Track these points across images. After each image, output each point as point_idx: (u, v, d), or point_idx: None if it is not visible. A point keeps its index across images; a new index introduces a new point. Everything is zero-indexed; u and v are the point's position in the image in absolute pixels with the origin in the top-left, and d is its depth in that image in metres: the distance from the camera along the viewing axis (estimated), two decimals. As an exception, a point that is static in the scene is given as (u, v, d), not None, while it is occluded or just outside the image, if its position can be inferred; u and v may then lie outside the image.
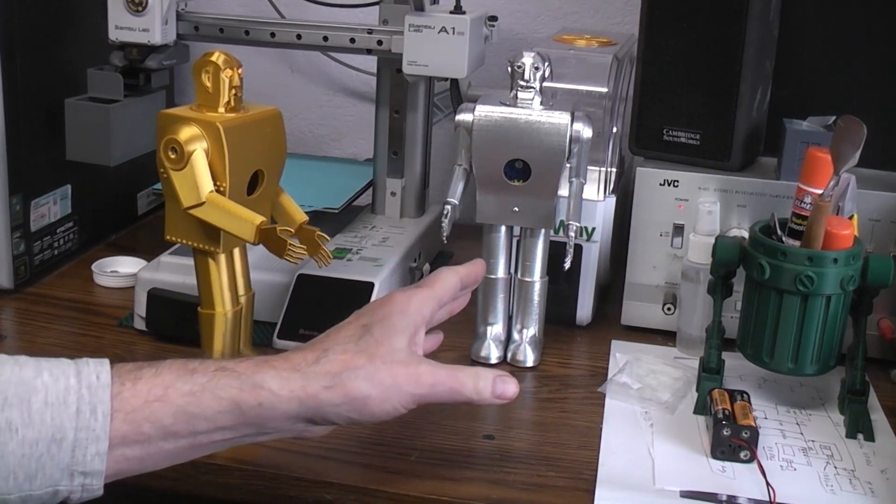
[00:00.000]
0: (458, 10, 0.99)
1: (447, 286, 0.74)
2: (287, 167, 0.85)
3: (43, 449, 0.58)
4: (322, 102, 1.40)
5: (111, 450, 0.60)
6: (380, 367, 0.65)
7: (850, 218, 0.84)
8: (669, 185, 0.96)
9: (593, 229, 0.97)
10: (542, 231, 0.91)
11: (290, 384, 0.63)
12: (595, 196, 0.97)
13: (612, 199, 1.00)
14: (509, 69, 0.88)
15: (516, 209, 0.89)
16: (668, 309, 0.98)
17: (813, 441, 0.81)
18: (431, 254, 1.14)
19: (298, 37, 1.02)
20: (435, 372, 0.67)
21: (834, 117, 0.91)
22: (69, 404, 0.59)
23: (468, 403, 0.69)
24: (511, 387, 0.69)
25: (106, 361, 0.62)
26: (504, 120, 0.88)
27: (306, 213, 0.86)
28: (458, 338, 0.96)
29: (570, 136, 0.87)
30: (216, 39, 1.03)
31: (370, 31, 1.01)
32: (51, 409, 0.59)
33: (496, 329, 0.93)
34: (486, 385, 0.68)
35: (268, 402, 0.63)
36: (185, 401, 0.62)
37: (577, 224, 0.88)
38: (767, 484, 0.72)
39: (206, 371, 0.63)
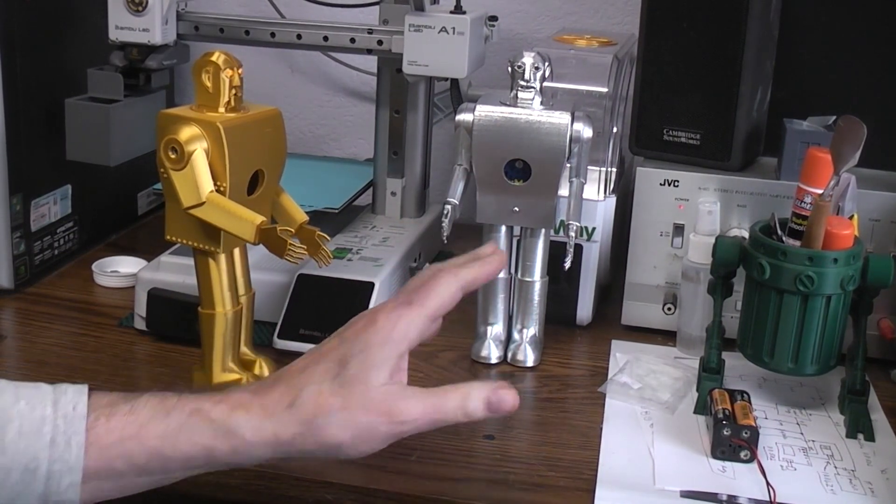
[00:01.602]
0: (458, 10, 0.99)
1: (443, 300, 0.67)
2: (287, 167, 0.85)
3: (17, 478, 0.58)
4: (322, 102, 1.41)
5: (85, 482, 0.60)
6: (354, 412, 0.63)
7: (850, 218, 0.84)
8: (669, 185, 0.96)
9: (593, 229, 0.97)
10: (543, 231, 0.91)
11: (263, 432, 0.63)
12: (595, 196, 0.97)
13: (613, 199, 1.00)
14: (509, 69, 0.88)
15: (516, 209, 0.89)
16: (669, 309, 0.98)
17: (813, 441, 0.81)
18: (431, 254, 1.14)
19: (298, 37, 1.02)
20: (414, 407, 0.64)
21: (834, 117, 0.91)
22: (43, 434, 0.59)
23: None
24: (508, 399, 0.65)
25: (85, 390, 0.62)
26: (504, 120, 0.88)
27: (306, 213, 0.86)
28: (458, 338, 0.96)
29: (571, 136, 0.87)
30: (216, 39, 1.03)
31: (370, 31, 1.01)
32: (25, 438, 0.59)
33: (496, 329, 0.93)
34: (477, 406, 0.65)
35: (241, 449, 0.63)
36: (159, 442, 0.61)
37: (578, 224, 0.88)
38: (768, 484, 0.72)
39: (182, 412, 0.62)
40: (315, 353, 0.67)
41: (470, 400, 0.65)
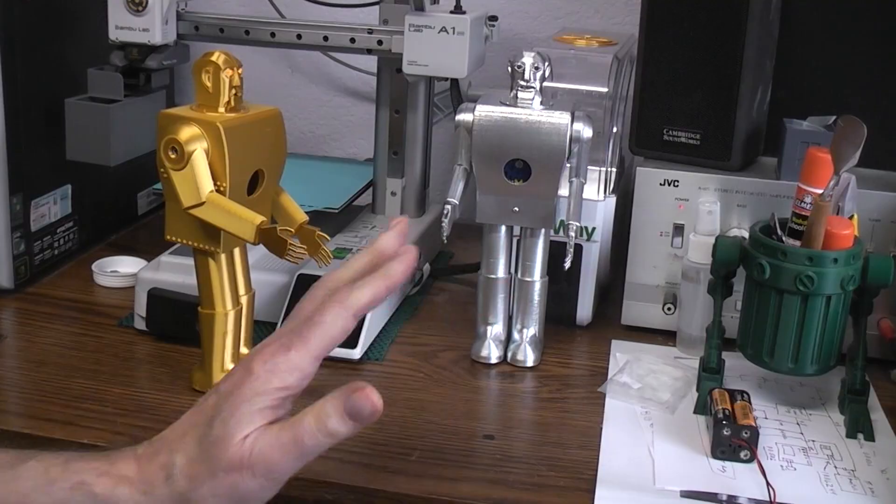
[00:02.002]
0: (458, 9, 0.99)
1: (331, 337, 0.61)
2: (287, 167, 0.85)
3: None
4: (322, 102, 1.41)
5: None
6: (220, 477, 0.59)
7: (850, 218, 0.84)
8: (669, 185, 0.96)
9: (593, 229, 0.97)
10: (542, 231, 0.91)
11: None
12: (595, 196, 0.97)
13: (613, 199, 1.00)
14: (509, 69, 0.88)
15: (516, 209, 0.89)
16: (668, 309, 0.98)
17: (813, 441, 0.81)
18: (432, 254, 1.14)
19: (299, 37, 1.02)
20: (271, 452, 0.59)
21: (834, 117, 0.91)
22: None
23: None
24: (364, 402, 0.58)
25: None
26: (504, 120, 0.88)
27: (306, 213, 0.86)
28: (458, 338, 0.96)
29: (570, 135, 0.87)
30: (216, 39, 1.03)
31: (370, 31, 1.01)
32: None
33: (496, 329, 0.93)
34: (335, 422, 0.59)
35: None
36: None
37: (578, 224, 0.88)
38: (767, 484, 0.72)
39: (65, 484, 0.61)
40: (196, 410, 0.63)
41: (326, 418, 0.59)
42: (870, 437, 0.81)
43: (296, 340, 0.60)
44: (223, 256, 0.81)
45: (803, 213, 0.82)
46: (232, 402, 0.60)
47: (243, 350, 0.85)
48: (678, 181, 0.95)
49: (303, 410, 0.60)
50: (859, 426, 0.82)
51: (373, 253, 0.66)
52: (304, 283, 0.93)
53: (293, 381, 0.60)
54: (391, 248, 0.66)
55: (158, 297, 0.93)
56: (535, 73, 0.87)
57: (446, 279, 1.12)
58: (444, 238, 0.89)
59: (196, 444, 0.60)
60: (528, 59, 0.87)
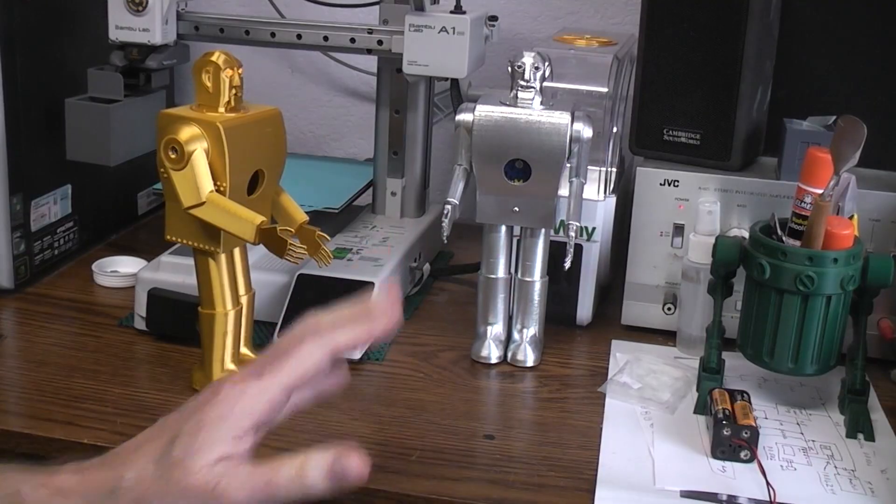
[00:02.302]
0: (458, 9, 0.99)
1: (304, 370, 0.60)
2: (287, 167, 0.85)
3: None
4: (322, 102, 1.41)
5: None
6: (174, 499, 0.57)
7: (851, 218, 0.84)
8: (669, 184, 0.96)
9: (593, 229, 0.97)
10: (543, 231, 0.91)
11: None
12: (595, 196, 0.97)
13: (613, 199, 1.00)
14: (509, 69, 0.88)
15: (516, 209, 0.89)
16: (668, 309, 0.98)
17: (813, 441, 0.81)
18: (432, 254, 1.14)
19: (299, 37, 1.02)
20: (239, 488, 0.57)
21: (834, 117, 0.91)
22: None
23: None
24: (354, 467, 0.57)
25: None
26: (504, 120, 0.88)
27: (306, 213, 0.86)
28: (458, 338, 0.96)
29: (571, 135, 0.87)
30: (216, 39, 1.03)
31: (370, 31, 1.01)
32: None
33: (496, 329, 0.93)
34: (315, 477, 0.58)
35: None
36: None
37: (578, 224, 0.88)
38: (768, 484, 0.72)
39: None
40: (156, 427, 0.61)
41: (307, 469, 0.58)
42: (870, 437, 0.81)
43: (267, 368, 0.59)
44: (223, 256, 0.81)
45: (803, 213, 0.82)
46: (194, 423, 0.58)
47: (243, 350, 0.85)
48: (678, 181, 0.95)
49: (281, 457, 0.58)
50: (859, 426, 0.82)
51: (361, 308, 0.65)
52: (304, 283, 0.93)
53: (261, 409, 0.59)
54: (380, 310, 0.65)
55: (158, 297, 0.93)
56: (535, 73, 0.87)
57: (446, 279, 1.12)
58: (444, 238, 0.89)
59: (151, 462, 0.58)
60: (528, 59, 0.87)
